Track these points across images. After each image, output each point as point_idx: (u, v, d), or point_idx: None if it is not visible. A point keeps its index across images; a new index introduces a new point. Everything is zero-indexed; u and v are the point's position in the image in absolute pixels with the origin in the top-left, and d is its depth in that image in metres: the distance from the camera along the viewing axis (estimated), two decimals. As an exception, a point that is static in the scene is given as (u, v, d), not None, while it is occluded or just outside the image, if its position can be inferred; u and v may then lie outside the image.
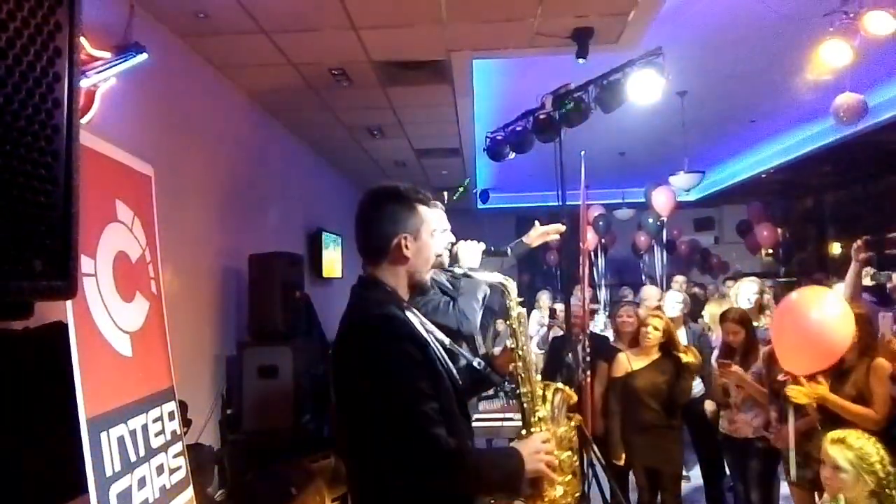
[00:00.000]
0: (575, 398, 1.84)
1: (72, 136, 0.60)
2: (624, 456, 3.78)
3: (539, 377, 1.78)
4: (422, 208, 1.60)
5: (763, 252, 11.32)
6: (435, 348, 1.53)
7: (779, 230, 10.34)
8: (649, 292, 5.70)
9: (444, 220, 2.45)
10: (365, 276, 1.60)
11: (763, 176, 9.77)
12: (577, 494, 1.69)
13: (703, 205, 12.35)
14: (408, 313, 1.54)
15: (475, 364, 1.78)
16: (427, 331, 1.57)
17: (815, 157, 8.38)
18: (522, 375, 1.67)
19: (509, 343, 1.75)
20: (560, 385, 1.79)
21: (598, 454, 3.87)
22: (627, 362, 3.75)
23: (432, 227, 1.64)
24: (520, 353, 1.69)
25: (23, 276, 0.54)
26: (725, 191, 11.05)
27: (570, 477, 1.67)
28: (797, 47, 4.65)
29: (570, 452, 1.71)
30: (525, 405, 1.66)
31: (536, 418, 1.66)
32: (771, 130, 7.96)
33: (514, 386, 1.79)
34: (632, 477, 3.96)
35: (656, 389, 3.62)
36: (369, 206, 1.59)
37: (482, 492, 1.56)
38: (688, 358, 3.73)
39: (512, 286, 1.78)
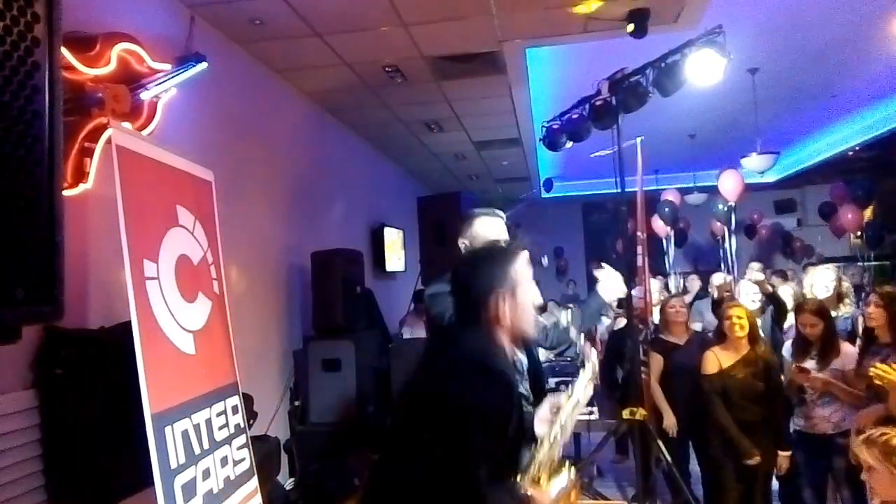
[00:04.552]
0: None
1: (54, 174, 0.64)
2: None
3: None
4: (519, 264, 1.61)
5: (851, 235, 10.59)
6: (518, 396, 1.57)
7: (866, 211, 9.62)
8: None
9: (503, 229, 2.40)
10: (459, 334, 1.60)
11: (850, 154, 9.13)
12: None
13: (784, 186, 11.67)
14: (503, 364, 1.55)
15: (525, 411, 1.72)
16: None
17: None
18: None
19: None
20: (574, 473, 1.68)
21: (664, 449, 3.77)
22: (717, 361, 3.53)
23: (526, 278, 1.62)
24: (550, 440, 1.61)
25: (4, 304, 0.59)
26: (807, 170, 10.40)
27: None
28: (879, 12, 4.30)
29: None
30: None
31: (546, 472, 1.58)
32: (854, 105, 7.42)
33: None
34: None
35: (753, 387, 3.42)
36: (466, 265, 1.67)
37: None
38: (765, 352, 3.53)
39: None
